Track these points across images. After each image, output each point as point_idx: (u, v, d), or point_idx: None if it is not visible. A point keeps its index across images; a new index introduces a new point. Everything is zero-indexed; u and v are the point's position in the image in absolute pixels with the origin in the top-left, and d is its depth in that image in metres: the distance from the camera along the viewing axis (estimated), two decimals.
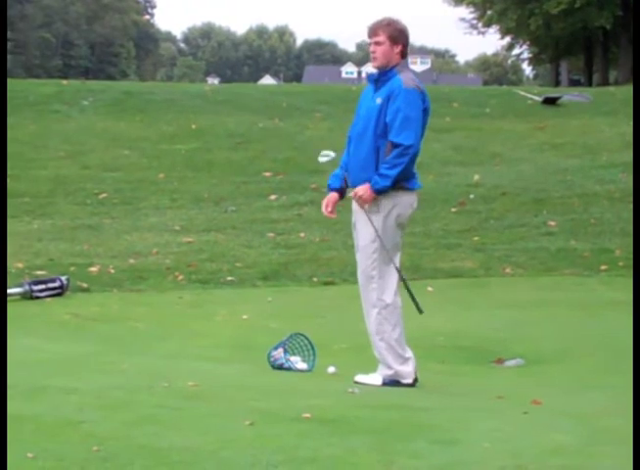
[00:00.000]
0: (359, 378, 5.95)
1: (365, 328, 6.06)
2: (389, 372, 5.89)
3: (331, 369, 6.32)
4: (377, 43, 5.85)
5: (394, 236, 5.88)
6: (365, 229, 5.88)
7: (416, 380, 5.97)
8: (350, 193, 5.93)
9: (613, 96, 25.41)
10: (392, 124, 5.74)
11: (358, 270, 5.94)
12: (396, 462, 3.77)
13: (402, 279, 5.90)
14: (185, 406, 4.66)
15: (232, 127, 20.01)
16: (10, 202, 13.45)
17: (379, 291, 5.83)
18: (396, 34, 5.83)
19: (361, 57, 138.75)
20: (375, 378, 5.93)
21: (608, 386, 6.19)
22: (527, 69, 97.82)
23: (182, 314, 8.97)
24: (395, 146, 5.73)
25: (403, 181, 5.83)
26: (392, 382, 5.88)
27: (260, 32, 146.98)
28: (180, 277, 10.56)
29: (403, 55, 5.89)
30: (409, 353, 5.92)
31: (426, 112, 5.86)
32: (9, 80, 23.05)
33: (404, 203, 5.86)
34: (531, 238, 12.65)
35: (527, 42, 60.81)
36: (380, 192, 5.76)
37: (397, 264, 5.89)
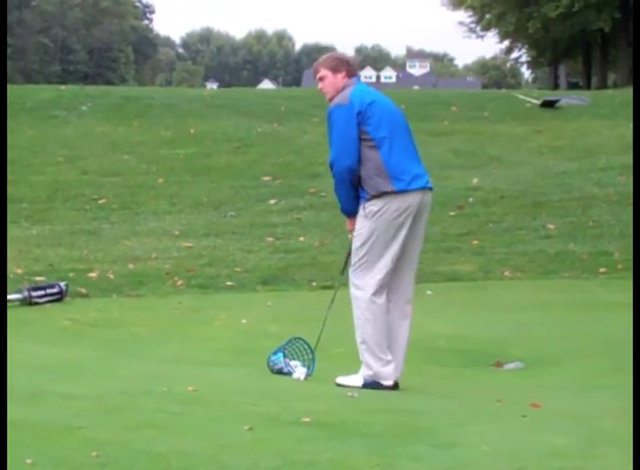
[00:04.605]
0: (340, 380, 5.95)
1: None
2: (369, 372, 5.89)
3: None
4: (320, 79, 6.11)
5: (387, 238, 5.84)
6: (358, 233, 5.92)
7: (396, 384, 5.96)
8: None
9: (611, 99, 25.42)
10: None
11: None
12: (396, 466, 3.78)
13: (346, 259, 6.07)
14: (184, 411, 4.66)
15: (231, 132, 20.01)
16: (8, 207, 13.45)
17: (362, 283, 5.84)
18: (335, 63, 6.09)
19: (359, 61, 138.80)
20: (356, 379, 5.93)
21: (607, 388, 6.19)
22: (526, 72, 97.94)
23: (181, 319, 8.97)
24: None
25: (382, 185, 5.81)
26: (373, 383, 5.87)
27: (259, 37, 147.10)
28: (179, 282, 10.57)
29: (350, 75, 6.08)
30: (390, 356, 5.90)
31: (362, 114, 5.85)
32: (7, 86, 23.05)
33: (390, 208, 5.83)
34: (530, 241, 12.66)
35: (526, 45, 60.89)
36: (347, 214, 5.98)
37: (389, 264, 5.87)
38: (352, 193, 5.91)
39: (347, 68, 6.06)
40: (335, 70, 6.05)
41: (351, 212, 5.96)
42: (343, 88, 6.00)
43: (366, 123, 5.85)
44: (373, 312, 5.84)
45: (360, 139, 5.85)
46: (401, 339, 5.96)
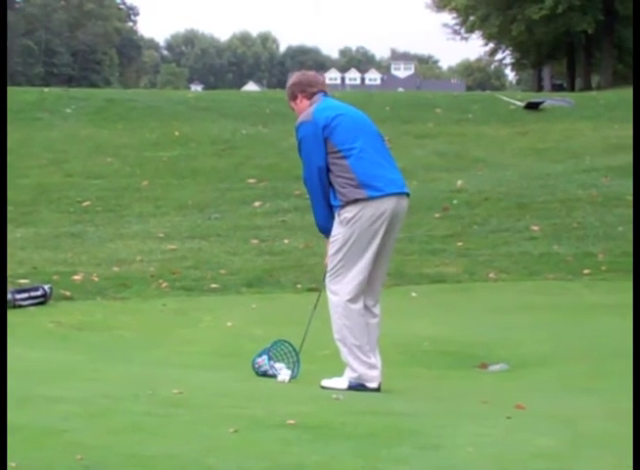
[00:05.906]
0: (325, 382, 5.96)
1: None
2: (354, 375, 5.91)
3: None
4: (292, 108, 6.22)
5: (362, 245, 5.84)
6: (333, 239, 5.92)
7: (379, 387, 5.96)
8: None
9: (595, 100, 25.51)
10: None
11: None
12: (381, 468, 3.78)
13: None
14: (169, 414, 4.65)
15: (215, 134, 19.99)
16: None
17: (338, 288, 5.86)
18: (290, 92, 6.18)
19: (344, 63, 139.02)
20: (340, 381, 5.93)
21: (591, 390, 6.21)
22: (510, 74, 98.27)
23: (166, 322, 8.95)
24: None
25: (355, 193, 5.81)
26: (358, 385, 5.88)
27: (244, 39, 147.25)
28: (164, 284, 10.55)
29: (310, 96, 6.10)
30: (373, 360, 5.92)
31: (327, 128, 5.87)
32: None
33: (365, 214, 5.81)
34: (515, 243, 12.69)
35: (510, 47, 61.14)
36: (323, 231, 6.01)
37: (365, 271, 5.87)
38: (326, 203, 5.91)
39: (302, 89, 6.10)
40: (292, 97, 6.16)
41: (329, 231, 5.97)
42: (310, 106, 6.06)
43: (332, 135, 5.88)
44: (349, 318, 5.86)
45: (328, 152, 5.87)
46: (372, 338, 5.98)
